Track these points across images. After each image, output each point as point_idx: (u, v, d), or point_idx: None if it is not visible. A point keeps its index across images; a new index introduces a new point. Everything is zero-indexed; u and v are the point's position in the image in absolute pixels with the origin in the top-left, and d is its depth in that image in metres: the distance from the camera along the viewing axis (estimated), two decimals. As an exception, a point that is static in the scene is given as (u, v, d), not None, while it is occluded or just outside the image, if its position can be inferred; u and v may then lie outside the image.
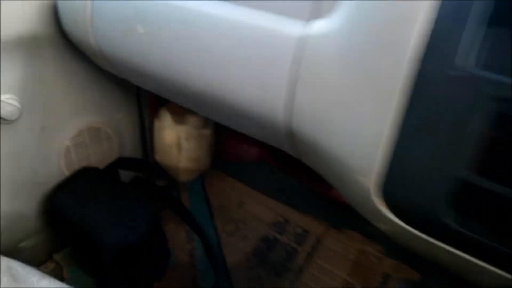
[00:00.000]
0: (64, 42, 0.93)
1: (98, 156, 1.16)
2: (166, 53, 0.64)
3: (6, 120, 0.89)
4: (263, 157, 1.38)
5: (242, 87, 0.57)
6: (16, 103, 0.89)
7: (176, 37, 0.62)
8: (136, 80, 0.84)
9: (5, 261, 0.91)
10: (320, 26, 0.50)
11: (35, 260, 1.15)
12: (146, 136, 1.29)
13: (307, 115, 0.54)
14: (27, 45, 0.88)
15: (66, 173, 1.10)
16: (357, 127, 0.47)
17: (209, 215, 1.31)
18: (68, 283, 0.75)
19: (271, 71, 0.53)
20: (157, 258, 1.08)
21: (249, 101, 0.57)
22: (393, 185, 0.45)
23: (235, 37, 0.55)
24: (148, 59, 0.68)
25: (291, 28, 0.52)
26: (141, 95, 1.20)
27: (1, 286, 0.74)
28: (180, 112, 1.14)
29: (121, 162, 1.20)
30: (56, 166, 1.07)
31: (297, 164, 1.36)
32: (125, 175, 1.26)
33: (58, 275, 1.13)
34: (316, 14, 0.52)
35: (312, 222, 1.26)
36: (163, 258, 1.12)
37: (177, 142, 1.19)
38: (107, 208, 0.98)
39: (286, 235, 1.24)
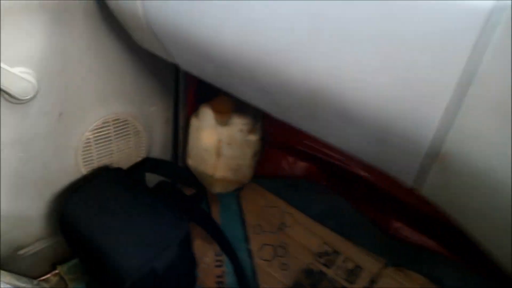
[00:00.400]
0: (98, 8, 0.75)
1: (122, 155, 0.96)
2: (249, 23, 0.45)
3: (17, 99, 0.70)
4: (312, 174, 1.18)
5: (375, 83, 0.36)
6: (32, 79, 0.71)
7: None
8: (188, 61, 0.65)
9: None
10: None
11: (35, 271, 0.97)
12: (179, 136, 1.10)
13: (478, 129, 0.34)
14: (53, 8, 0.70)
15: (83, 171, 0.91)
16: None
17: (243, 235, 1.11)
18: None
19: (435, 60, 0.33)
20: (181, 285, 0.88)
21: (381, 104, 0.37)
22: None
23: (377, 6, 0.35)
24: (218, 32, 0.49)
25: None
26: (179, 87, 1.01)
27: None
28: (225, 110, 0.94)
29: (148, 164, 1.00)
30: (71, 162, 0.88)
31: (354, 186, 1.16)
32: (149, 180, 1.06)
33: (60, 292, 0.94)
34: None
35: (366, 257, 1.05)
36: (188, 286, 0.92)
37: (216, 147, 1.00)
38: (129, 221, 0.79)
39: (334, 269, 1.03)
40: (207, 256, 1.05)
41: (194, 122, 1.01)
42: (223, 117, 0.95)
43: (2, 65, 0.65)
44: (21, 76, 0.68)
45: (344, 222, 1.10)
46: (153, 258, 0.74)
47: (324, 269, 1.04)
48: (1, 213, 0.81)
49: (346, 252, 1.06)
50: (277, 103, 0.53)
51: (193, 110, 1.05)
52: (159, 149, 1.07)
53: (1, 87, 0.66)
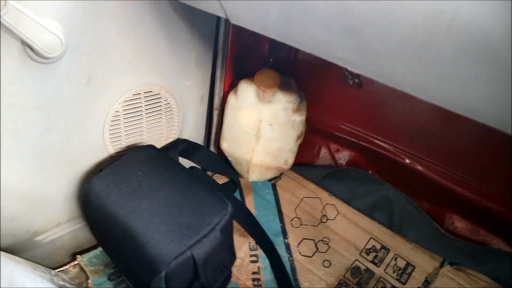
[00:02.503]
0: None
1: (152, 134, 0.87)
2: None
3: (42, 56, 0.60)
4: (357, 162, 1.07)
5: None
6: (60, 33, 0.61)
7: None
8: (244, 7, 0.54)
9: (9, 264, 0.62)
10: None
11: (53, 261, 0.87)
12: (213, 115, 0.99)
13: None
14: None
15: (109, 149, 0.82)
16: None
17: (280, 228, 1.00)
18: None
19: None
20: (217, 278, 0.77)
21: None
22: None
23: None
24: None
25: None
26: (217, 62, 0.91)
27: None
28: (270, 85, 0.84)
29: (181, 146, 0.90)
30: (97, 138, 0.78)
31: (409, 176, 1.05)
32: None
33: (80, 284, 0.84)
34: None
35: (420, 254, 0.93)
36: (225, 280, 0.81)
37: (256, 127, 0.89)
38: (165, 203, 0.69)
39: (383, 268, 0.92)
40: (241, 251, 0.95)
41: (231, 99, 0.91)
42: (266, 94, 0.85)
43: (28, 12, 0.56)
44: (48, 29, 0.59)
45: (394, 214, 0.99)
46: (192, 245, 0.64)
47: (371, 267, 0.93)
48: (18, 191, 0.71)
49: (396, 248, 0.95)
50: (370, 47, 0.43)
51: (230, 87, 0.96)
52: (191, 130, 0.97)
53: (25, 39, 0.57)
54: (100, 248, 0.90)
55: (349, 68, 0.50)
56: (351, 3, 0.40)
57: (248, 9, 0.55)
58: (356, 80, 0.94)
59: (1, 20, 0.52)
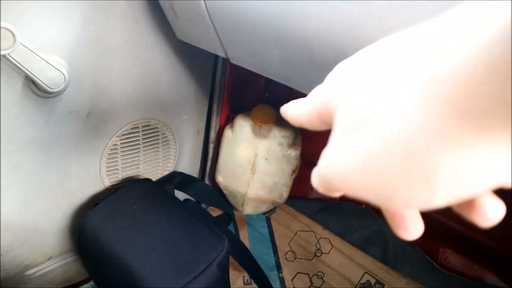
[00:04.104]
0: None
1: (148, 166, 0.87)
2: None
3: (45, 91, 0.62)
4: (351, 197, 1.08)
5: None
6: (63, 69, 0.62)
7: None
8: (244, 50, 0.57)
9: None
10: None
11: (43, 296, 0.85)
12: (209, 149, 1.00)
13: None
14: (92, -7, 0.62)
15: (106, 182, 0.81)
16: None
17: (274, 262, 0.99)
18: None
19: None
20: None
21: None
22: None
23: None
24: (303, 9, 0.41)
25: None
26: (214, 97, 0.93)
27: None
28: (266, 121, 0.86)
29: (177, 179, 0.91)
30: (94, 170, 0.79)
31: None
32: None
33: (70, 322, 0.82)
34: None
35: (415, 290, 0.93)
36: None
37: (252, 161, 0.91)
38: (162, 238, 0.69)
39: (379, 304, 0.92)
40: (235, 285, 0.94)
41: (228, 133, 0.92)
42: (262, 129, 0.86)
43: (34, 49, 0.57)
44: (52, 65, 0.60)
45: (388, 249, 1.00)
46: (189, 281, 0.63)
47: (367, 302, 0.92)
48: (13, 224, 0.70)
49: (391, 283, 0.95)
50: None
51: (226, 120, 0.97)
52: (187, 163, 0.97)
53: (30, 75, 0.58)
54: (91, 282, 0.88)
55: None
56: (352, 52, 0.42)
57: (249, 52, 0.57)
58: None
59: (9, 57, 0.54)
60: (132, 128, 0.80)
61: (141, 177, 0.87)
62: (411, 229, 0.20)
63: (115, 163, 0.81)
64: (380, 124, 0.15)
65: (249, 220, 1.07)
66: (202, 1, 0.54)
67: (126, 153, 0.81)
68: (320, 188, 0.20)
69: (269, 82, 1.03)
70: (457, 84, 0.12)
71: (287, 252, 1.01)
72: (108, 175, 0.81)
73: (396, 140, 0.14)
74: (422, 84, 0.13)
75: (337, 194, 0.19)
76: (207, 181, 1.06)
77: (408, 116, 0.14)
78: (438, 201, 0.14)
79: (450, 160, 0.13)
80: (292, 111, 0.23)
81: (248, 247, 1.00)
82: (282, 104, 0.25)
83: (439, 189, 0.14)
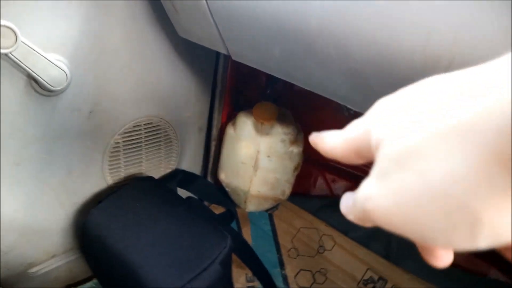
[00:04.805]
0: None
1: (151, 164, 0.87)
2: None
3: (47, 89, 0.62)
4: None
5: None
6: (65, 68, 0.62)
7: None
8: (245, 46, 0.56)
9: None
10: None
11: (46, 294, 0.85)
12: (211, 146, 1.00)
13: None
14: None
15: (108, 180, 0.82)
16: None
17: (277, 259, 0.99)
18: None
19: None
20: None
21: None
22: None
23: None
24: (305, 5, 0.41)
25: None
26: (216, 93, 0.92)
27: None
28: (268, 118, 0.86)
29: (179, 177, 0.91)
30: (97, 168, 0.79)
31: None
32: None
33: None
34: None
35: (418, 285, 0.93)
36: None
37: (254, 158, 0.90)
38: (165, 235, 0.69)
39: (382, 300, 0.92)
40: (238, 282, 0.94)
41: (230, 131, 0.92)
42: (263, 126, 0.86)
43: (36, 48, 0.57)
44: (54, 63, 0.60)
45: (391, 245, 1.00)
46: (192, 279, 0.64)
47: (369, 298, 0.92)
48: (16, 222, 0.71)
49: (394, 279, 0.95)
50: (369, 88, 0.45)
51: (228, 118, 0.97)
52: (189, 161, 0.97)
53: (32, 73, 0.58)
54: (94, 280, 0.89)
55: (348, 106, 0.51)
56: (355, 48, 0.41)
57: (250, 48, 0.57)
58: (351, 111, 0.96)
59: (11, 55, 0.54)
60: (134, 126, 0.80)
61: (144, 175, 0.87)
62: (444, 258, 0.20)
63: (117, 161, 0.81)
64: (424, 167, 0.15)
65: (251, 217, 1.07)
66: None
67: (129, 151, 0.81)
68: (352, 216, 0.20)
69: (270, 78, 1.02)
70: (500, 130, 0.12)
71: (290, 249, 1.01)
72: (110, 173, 0.81)
73: (440, 184, 0.14)
74: (465, 130, 0.14)
75: (368, 225, 0.19)
76: (209, 179, 1.07)
77: (452, 162, 0.14)
78: (480, 245, 0.15)
79: (494, 206, 0.13)
80: (326, 144, 0.22)
81: (251, 244, 1.01)
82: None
83: (483, 235, 0.14)
